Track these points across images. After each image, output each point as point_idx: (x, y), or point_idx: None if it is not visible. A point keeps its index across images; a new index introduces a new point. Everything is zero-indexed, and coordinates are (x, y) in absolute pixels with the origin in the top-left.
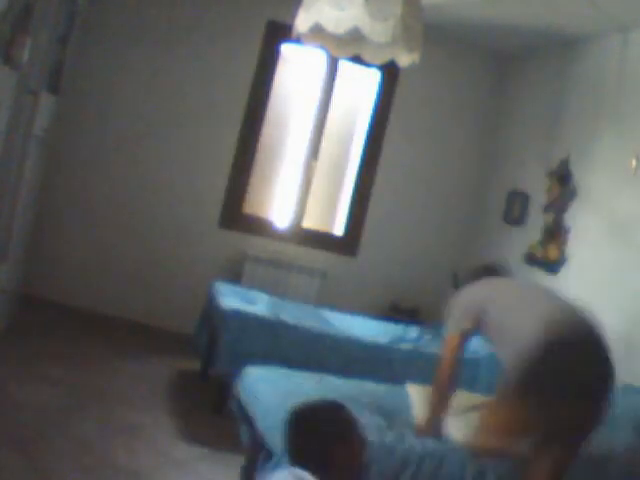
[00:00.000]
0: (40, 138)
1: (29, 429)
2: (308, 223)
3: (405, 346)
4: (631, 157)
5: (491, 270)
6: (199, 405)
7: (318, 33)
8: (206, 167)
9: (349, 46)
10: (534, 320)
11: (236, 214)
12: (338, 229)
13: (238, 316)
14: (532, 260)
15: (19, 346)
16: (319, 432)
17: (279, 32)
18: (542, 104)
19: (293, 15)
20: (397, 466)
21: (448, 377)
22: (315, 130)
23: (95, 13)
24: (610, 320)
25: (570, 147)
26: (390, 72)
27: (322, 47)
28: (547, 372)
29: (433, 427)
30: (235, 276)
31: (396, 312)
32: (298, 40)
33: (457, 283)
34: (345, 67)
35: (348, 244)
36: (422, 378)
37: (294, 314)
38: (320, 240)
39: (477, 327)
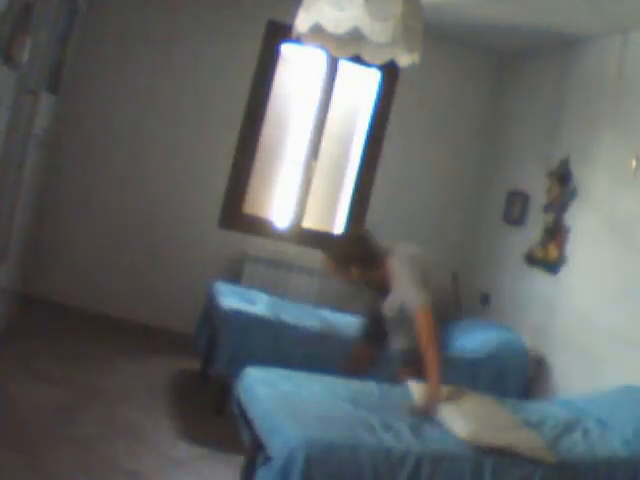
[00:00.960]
0: (40, 138)
1: (29, 429)
2: (308, 223)
3: None
4: (631, 157)
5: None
6: (199, 405)
7: (318, 33)
8: (206, 167)
9: (349, 46)
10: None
11: (236, 214)
12: (338, 229)
13: (238, 316)
14: (532, 260)
15: (19, 346)
16: None
17: (279, 32)
18: (542, 104)
19: (293, 15)
20: (394, 466)
21: (439, 344)
22: (315, 130)
23: (95, 13)
24: (610, 320)
25: (570, 147)
26: (390, 72)
27: (322, 47)
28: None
29: (432, 406)
30: (235, 276)
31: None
32: (298, 40)
33: (457, 283)
34: (345, 67)
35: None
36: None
37: (294, 314)
38: (320, 240)
39: None
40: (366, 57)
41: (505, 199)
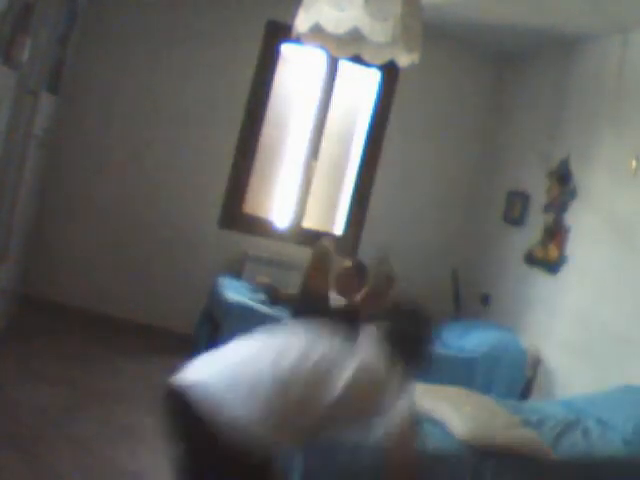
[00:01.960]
0: (40, 138)
1: (29, 429)
2: (308, 223)
3: None
4: (631, 157)
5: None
6: None
7: (318, 33)
8: (206, 167)
9: (349, 46)
10: None
11: (236, 214)
12: (338, 229)
13: (244, 310)
14: (532, 260)
15: (19, 346)
16: None
17: (279, 32)
18: (542, 104)
19: (293, 15)
20: None
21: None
22: (315, 130)
23: (95, 13)
24: (610, 320)
25: (570, 147)
26: (390, 72)
27: (322, 47)
28: None
29: None
30: (235, 276)
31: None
32: (298, 40)
33: (456, 281)
34: (345, 67)
35: (348, 244)
36: (422, 378)
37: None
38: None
39: None
40: (366, 57)
41: (505, 199)
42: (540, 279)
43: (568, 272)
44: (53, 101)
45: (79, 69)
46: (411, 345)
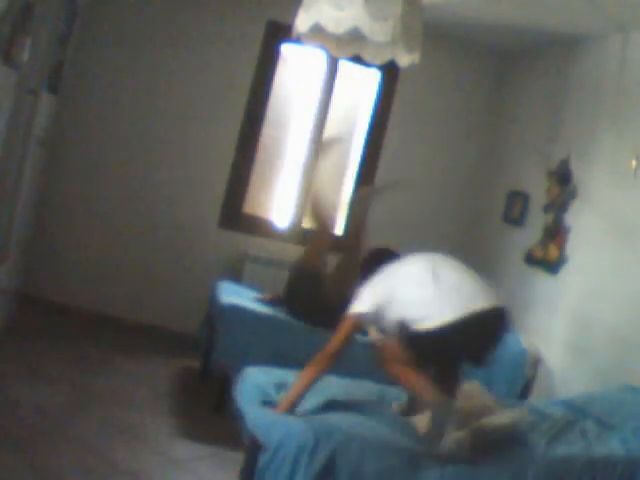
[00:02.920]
0: (40, 138)
1: (29, 429)
2: (308, 223)
3: None
4: (631, 157)
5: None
6: (199, 404)
7: (318, 33)
8: (206, 167)
9: (349, 46)
10: None
11: (236, 214)
12: (338, 229)
13: (237, 312)
14: (532, 260)
15: (19, 346)
16: None
17: (279, 32)
18: (542, 104)
19: (293, 15)
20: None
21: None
22: (315, 130)
23: (95, 13)
24: (610, 320)
25: (570, 147)
26: (390, 72)
27: (322, 47)
28: None
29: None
30: (235, 276)
31: None
32: (298, 40)
33: None
34: (345, 67)
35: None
36: None
37: None
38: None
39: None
40: (366, 57)
41: (505, 199)
42: (540, 279)
43: (568, 272)
44: (53, 101)
45: (79, 69)
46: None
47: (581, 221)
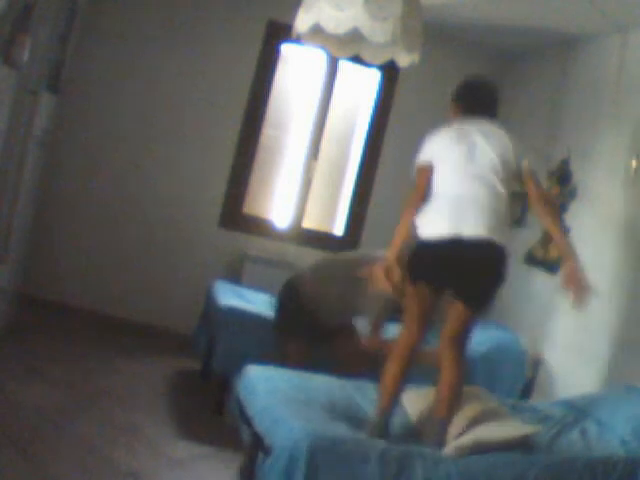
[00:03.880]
0: (40, 138)
1: (29, 429)
2: (308, 223)
3: None
4: (631, 157)
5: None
6: (199, 405)
7: (318, 33)
8: (206, 167)
9: (349, 46)
10: None
11: (236, 214)
12: (338, 229)
13: (236, 314)
14: (532, 260)
15: (19, 346)
16: None
17: (279, 32)
18: (542, 104)
19: (293, 15)
20: (394, 465)
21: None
22: (315, 130)
23: (95, 13)
24: (610, 320)
25: (570, 147)
26: (390, 72)
27: (322, 47)
28: None
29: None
30: (235, 276)
31: (396, 312)
32: (298, 40)
33: None
34: (345, 67)
35: (348, 244)
36: (420, 378)
37: None
38: (320, 240)
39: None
40: (366, 57)
41: None
42: (540, 279)
43: None
44: (53, 101)
45: (79, 69)
46: None
47: (581, 221)
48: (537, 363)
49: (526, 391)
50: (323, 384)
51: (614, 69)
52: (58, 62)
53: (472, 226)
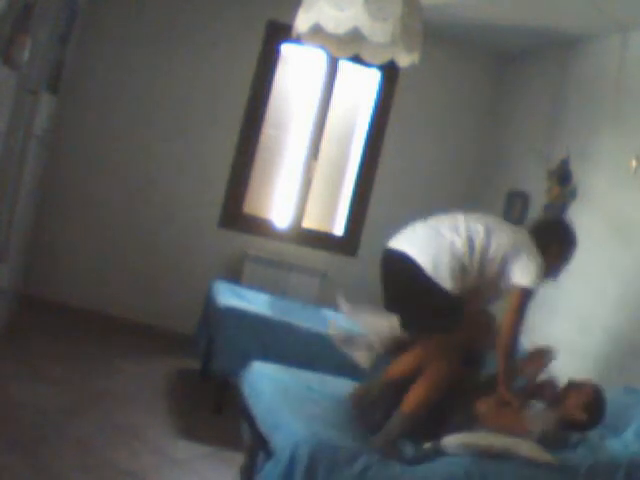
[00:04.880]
0: (40, 138)
1: (29, 429)
2: (308, 223)
3: None
4: (631, 157)
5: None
6: (199, 404)
7: (318, 33)
8: (206, 167)
9: (349, 46)
10: None
11: (236, 214)
12: (338, 229)
13: (235, 314)
14: None
15: (19, 346)
16: None
17: (279, 32)
18: (542, 104)
19: (293, 15)
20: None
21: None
22: (315, 130)
23: (95, 13)
24: (610, 320)
25: (570, 147)
26: (390, 72)
27: (322, 47)
28: None
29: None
30: (235, 276)
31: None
32: (298, 40)
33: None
34: (345, 67)
35: (348, 244)
36: None
37: (293, 313)
38: (320, 240)
39: None
40: (366, 57)
41: (505, 199)
42: None
43: (568, 272)
44: (53, 101)
45: (79, 69)
46: None
47: (581, 221)
48: None
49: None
50: (329, 384)
51: (614, 69)
52: (58, 62)
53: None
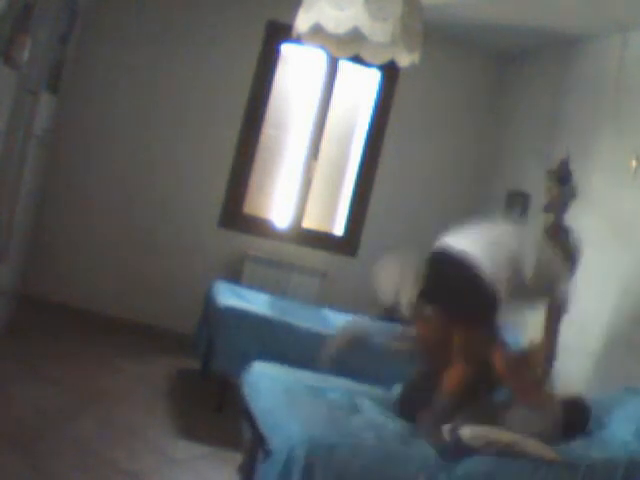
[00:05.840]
0: (40, 138)
1: (29, 429)
2: (308, 223)
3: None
4: (631, 157)
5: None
6: (199, 404)
7: (318, 33)
8: (206, 167)
9: (349, 46)
10: None
11: (236, 214)
12: (338, 229)
13: (235, 314)
14: None
15: (19, 346)
16: None
17: (279, 32)
18: (542, 104)
19: (293, 15)
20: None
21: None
22: (315, 130)
23: (95, 13)
24: (610, 321)
25: (570, 147)
26: (390, 72)
27: (322, 47)
28: None
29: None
30: (235, 276)
31: (396, 312)
32: (298, 40)
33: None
34: (345, 67)
35: (348, 244)
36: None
37: (293, 313)
38: (320, 240)
39: None
40: (366, 57)
41: (505, 199)
42: None
43: None
44: (53, 101)
45: (79, 69)
46: None
47: (581, 221)
48: None
49: None
50: (329, 384)
51: (614, 69)
52: (58, 62)
53: None
